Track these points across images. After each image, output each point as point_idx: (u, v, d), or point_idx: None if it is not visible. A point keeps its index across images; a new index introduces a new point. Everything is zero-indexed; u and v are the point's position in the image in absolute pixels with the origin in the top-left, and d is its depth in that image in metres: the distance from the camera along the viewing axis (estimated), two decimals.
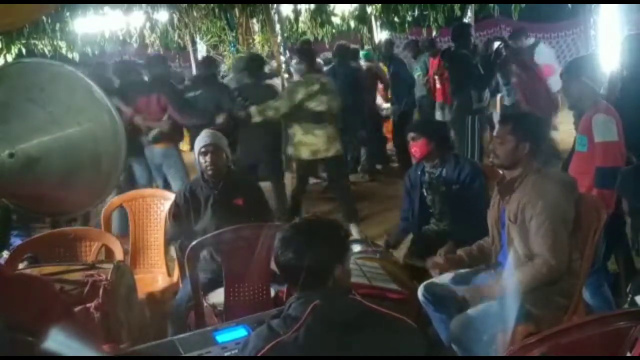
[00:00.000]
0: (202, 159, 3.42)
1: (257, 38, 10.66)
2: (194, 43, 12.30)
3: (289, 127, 5.24)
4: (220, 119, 5.11)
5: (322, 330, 1.67)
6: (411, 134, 3.67)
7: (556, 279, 2.60)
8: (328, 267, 1.74)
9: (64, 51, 10.62)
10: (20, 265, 3.05)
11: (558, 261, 2.56)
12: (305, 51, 5.74)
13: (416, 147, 3.63)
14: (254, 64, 5.78)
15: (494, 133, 2.83)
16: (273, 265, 3.10)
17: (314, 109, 5.10)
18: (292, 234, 1.79)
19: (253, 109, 5.07)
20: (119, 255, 3.27)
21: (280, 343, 1.65)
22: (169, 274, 3.81)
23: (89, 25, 9.66)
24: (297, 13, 10.38)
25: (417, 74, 8.11)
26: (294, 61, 5.76)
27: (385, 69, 8.21)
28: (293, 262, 1.74)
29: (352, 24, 11.22)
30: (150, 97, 5.27)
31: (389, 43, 8.55)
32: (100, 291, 2.64)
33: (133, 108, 5.17)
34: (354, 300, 1.78)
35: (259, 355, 1.66)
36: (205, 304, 3.07)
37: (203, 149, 3.41)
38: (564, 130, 6.81)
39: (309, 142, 5.12)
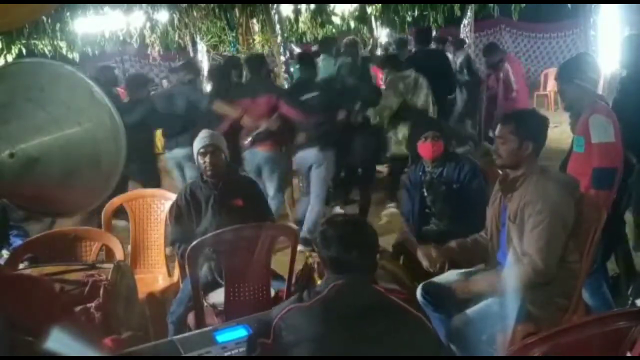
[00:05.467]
0: (201, 160, 3.41)
1: (257, 38, 10.66)
2: (194, 43, 12.30)
3: (393, 125, 5.36)
4: (341, 115, 5.20)
5: (337, 306, 1.86)
6: (432, 133, 3.70)
7: (543, 282, 2.59)
8: (354, 257, 1.94)
9: (64, 51, 10.62)
10: (21, 266, 3.05)
11: (546, 265, 2.54)
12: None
13: (436, 147, 3.68)
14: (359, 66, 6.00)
15: (496, 132, 2.80)
16: (273, 265, 3.13)
17: (415, 104, 5.32)
18: (332, 228, 2.00)
19: (371, 111, 5.25)
20: (119, 255, 3.27)
21: (299, 307, 1.88)
22: (169, 274, 3.81)
23: (89, 25, 9.65)
24: (297, 13, 10.38)
25: None
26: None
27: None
28: (325, 251, 1.97)
29: (352, 24, 11.22)
30: (257, 99, 5.14)
31: (402, 42, 8.43)
32: (101, 291, 2.64)
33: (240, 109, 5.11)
34: (375, 289, 1.96)
35: (280, 315, 1.88)
36: (205, 304, 3.08)
37: (202, 150, 3.40)
38: (563, 130, 6.83)
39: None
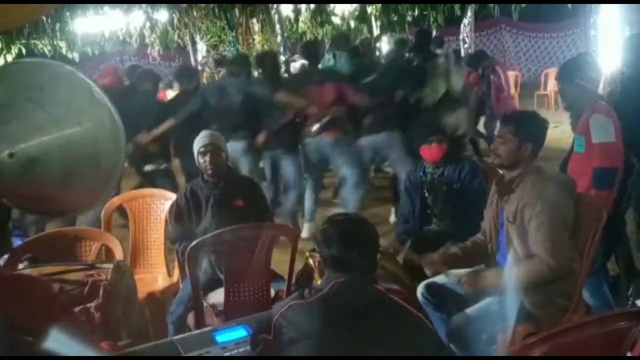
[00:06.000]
0: (201, 159, 3.41)
1: (257, 38, 10.67)
2: (194, 43, 12.31)
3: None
4: (398, 96, 5.21)
5: (337, 304, 1.89)
6: (437, 137, 3.71)
7: (556, 279, 2.60)
8: (355, 256, 1.96)
9: (64, 51, 10.63)
10: (20, 266, 3.04)
11: (558, 262, 2.55)
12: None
13: (440, 150, 3.70)
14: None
15: (495, 132, 2.81)
16: (273, 265, 3.13)
17: (453, 88, 5.44)
18: (333, 227, 2.03)
19: (426, 91, 5.34)
20: (119, 255, 3.26)
21: (299, 304, 1.90)
22: (169, 274, 3.80)
23: (89, 25, 9.67)
24: (297, 13, 10.39)
25: None
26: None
27: None
28: (326, 250, 1.99)
29: (352, 24, 11.23)
30: (320, 87, 5.08)
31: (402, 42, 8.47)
32: (101, 291, 2.63)
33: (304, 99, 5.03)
34: (375, 288, 1.98)
35: (281, 312, 1.90)
36: (205, 304, 3.07)
37: (202, 149, 3.40)
38: (563, 129, 6.85)
39: (453, 123, 5.26)
